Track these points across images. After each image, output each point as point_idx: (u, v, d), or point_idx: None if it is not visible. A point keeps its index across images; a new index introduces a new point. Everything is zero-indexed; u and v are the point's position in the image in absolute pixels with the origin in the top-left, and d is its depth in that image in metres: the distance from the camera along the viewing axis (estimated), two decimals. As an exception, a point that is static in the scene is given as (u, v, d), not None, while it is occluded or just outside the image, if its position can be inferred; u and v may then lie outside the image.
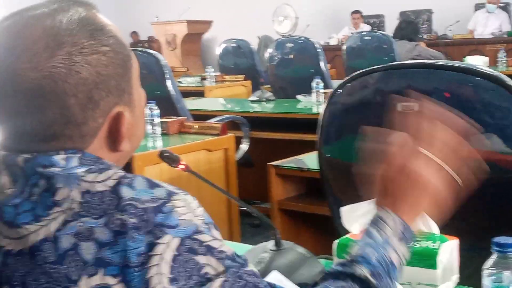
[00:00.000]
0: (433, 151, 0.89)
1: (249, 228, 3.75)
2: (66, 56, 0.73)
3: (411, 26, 5.88)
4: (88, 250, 0.69)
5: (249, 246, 1.34)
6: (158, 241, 0.69)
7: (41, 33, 0.74)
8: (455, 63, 1.41)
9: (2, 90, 0.74)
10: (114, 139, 0.79)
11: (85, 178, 0.73)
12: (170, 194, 0.73)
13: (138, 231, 0.69)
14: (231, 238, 2.86)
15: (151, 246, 0.69)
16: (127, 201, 0.71)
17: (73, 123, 0.75)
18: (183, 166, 1.07)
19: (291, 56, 5.10)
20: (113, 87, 0.78)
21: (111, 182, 0.73)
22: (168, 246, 0.69)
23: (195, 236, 0.71)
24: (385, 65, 1.48)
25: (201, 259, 0.71)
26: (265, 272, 1.16)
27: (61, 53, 0.73)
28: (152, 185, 0.74)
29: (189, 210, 0.73)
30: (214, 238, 0.73)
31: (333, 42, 8.75)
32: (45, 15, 0.76)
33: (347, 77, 1.53)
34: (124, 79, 0.80)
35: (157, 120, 2.97)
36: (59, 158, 0.74)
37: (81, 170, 0.73)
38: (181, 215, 0.72)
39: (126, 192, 0.72)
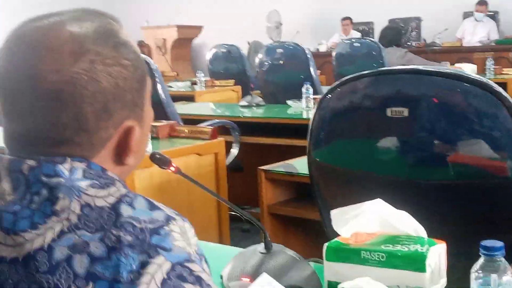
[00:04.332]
0: None
1: (239, 232, 3.75)
2: (89, 64, 0.74)
3: (392, 31, 5.93)
4: (80, 263, 0.69)
5: (239, 250, 1.35)
6: (152, 260, 0.70)
7: (68, 37, 0.75)
8: (444, 69, 1.42)
9: (20, 89, 0.74)
10: (121, 152, 0.80)
11: (87, 192, 0.73)
12: (168, 219, 0.74)
13: (132, 249, 0.70)
14: (220, 242, 2.86)
15: (144, 264, 0.69)
16: (125, 219, 0.71)
17: (85, 130, 0.75)
18: (174, 168, 1.08)
19: (281, 62, 5.11)
20: (128, 101, 0.78)
21: (111, 199, 0.73)
22: (160, 267, 0.70)
23: (186, 264, 0.71)
24: (374, 70, 1.49)
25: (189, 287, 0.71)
26: (255, 274, 1.16)
27: (85, 61, 0.74)
28: (152, 207, 0.75)
29: (184, 238, 0.73)
30: (203, 270, 0.73)
31: (322, 48, 8.78)
32: (73, 22, 0.76)
33: (337, 82, 1.54)
34: (139, 94, 0.81)
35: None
36: (63, 168, 0.74)
37: (84, 183, 0.74)
38: (175, 240, 0.72)
39: (125, 210, 0.72)
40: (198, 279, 0.72)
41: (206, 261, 0.75)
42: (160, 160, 1.08)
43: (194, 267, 0.72)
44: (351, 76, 1.51)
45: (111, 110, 0.76)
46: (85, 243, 0.70)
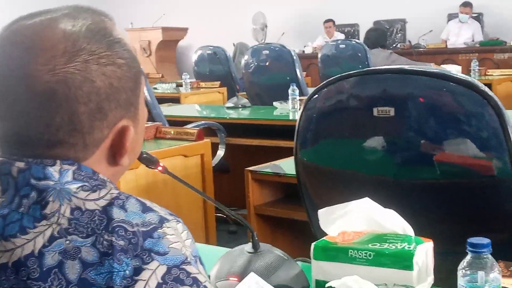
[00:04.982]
0: None
1: (225, 234, 3.75)
2: (83, 63, 0.73)
3: (377, 33, 5.96)
4: (72, 269, 0.68)
5: (226, 250, 1.34)
6: (145, 266, 0.69)
7: (61, 36, 0.73)
8: (430, 69, 1.43)
9: (13, 89, 0.73)
10: (115, 152, 0.79)
11: (77, 195, 0.72)
12: (161, 221, 0.72)
13: (125, 254, 0.68)
14: (207, 243, 2.85)
15: (138, 270, 0.68)
16: (117, 222, 0.70)
17: (79, 131, 0.74)
18: (161, 168, 1.07)
19: (267, 64, 5.12)
20: (123, 100, 0.77)
21: (103, 202, 0.72)
22: (154, 272, 0.69)
23: (183, 266, 0.71)
24: (360, 70, 1.50)
25: None
26: (243, 274, 1.16)
27: (79, 60, 0.72)
28: (145, 208, 0.73)
29: (179, 239, 0.72)
30: (199, 272, 0.72)
31: (308, 50, 8.81)
32: (66, 20, 0.75)
33: (323, 82, 1.54)
34: (134, 93, 0.80)
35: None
36: (53, 170, 0.73)
37: (74, 186, 0.72)
38: (171, 243, 0.71)
39: (117, 213, 0.71)
40: (196, 281, 0.71)
41: (201, 262, 0.74)
42: (147, 160, 1.07)
43: (191, 269, 0.71)
44: (338, 76, 1.51)
45: (105, 110, 0.75)
46: (76, 249, 0.68)
